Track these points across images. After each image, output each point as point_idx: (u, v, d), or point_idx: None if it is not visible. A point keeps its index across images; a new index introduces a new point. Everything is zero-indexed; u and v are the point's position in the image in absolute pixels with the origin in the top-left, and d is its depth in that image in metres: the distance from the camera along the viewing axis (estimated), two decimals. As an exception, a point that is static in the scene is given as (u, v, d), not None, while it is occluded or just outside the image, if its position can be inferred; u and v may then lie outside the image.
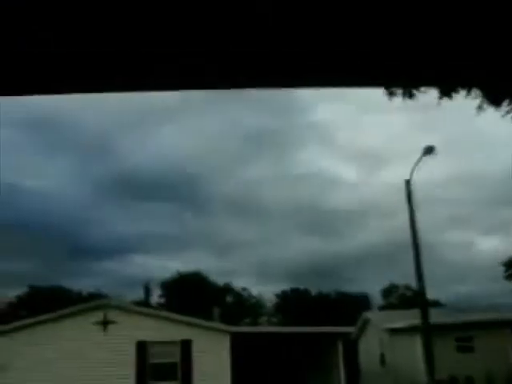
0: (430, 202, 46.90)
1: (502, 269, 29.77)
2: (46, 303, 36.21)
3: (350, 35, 1.39)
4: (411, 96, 4.94)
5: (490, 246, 63.65)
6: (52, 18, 1.28)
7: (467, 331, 27.52)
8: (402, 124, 44.02)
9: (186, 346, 22.01)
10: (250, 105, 42.67)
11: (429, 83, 2.74)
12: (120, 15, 1.28)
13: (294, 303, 51.94)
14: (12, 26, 1.30)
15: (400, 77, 1.65)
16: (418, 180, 22.19)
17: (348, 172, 63.30)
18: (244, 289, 54.50)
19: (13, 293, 47.00)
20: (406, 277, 43.62)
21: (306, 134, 55.62)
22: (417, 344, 25.33)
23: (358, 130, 56.81)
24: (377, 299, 55.08)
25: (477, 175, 48.97)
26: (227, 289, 53.81)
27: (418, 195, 22.05)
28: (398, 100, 5.12)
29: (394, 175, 47.98)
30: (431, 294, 35.19)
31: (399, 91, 4.91)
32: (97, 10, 1.26)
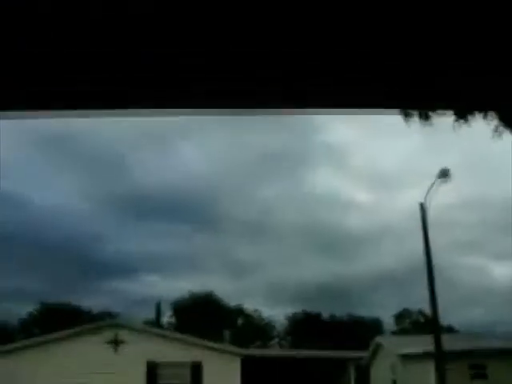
0: (443, 225, 46.59)
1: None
2: (57, 321, 36.21)
3: (358, 42, 1.38)
4: (427, 118, 4.92)
5: (504, 271, 62.96)
6: (52, 18, 1.31)
7: (481, 358, 27.13)
8: (417, 147, 43.89)
9: (196, 368, 21.88)
10: (264, 125, 42.81)
11: (444, 106, 2.71)
12: (120, 15, 1.28)
13: (306, 326, 51.58)
14: (12, 26, 1.30)
15: (413, 99, 1.64)
16: (432, 203, 22.09)
17: (362, 194, 63.11)
18: (255, 311, 54.28)
19: (24, 309, 47.12)
20: (419, 302, 43.23)
21: (320, 155, 55.62)
22: (430, 371, 24.99)
23: (372, 152, 56.71)
24: (389, 324, 54.59)
25: (491, 200, 48.64)
26: (239, 311, 53.58)
27: (431, 218, 21.94)
28: (414, 122, 5.10)
29: (408, 198, 47.72)
30: (445, 320, 34.84)
31: (415, 113, 4.89)
32: (97, 10, 1.25)
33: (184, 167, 53.00)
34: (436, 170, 21.59)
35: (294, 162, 55.68)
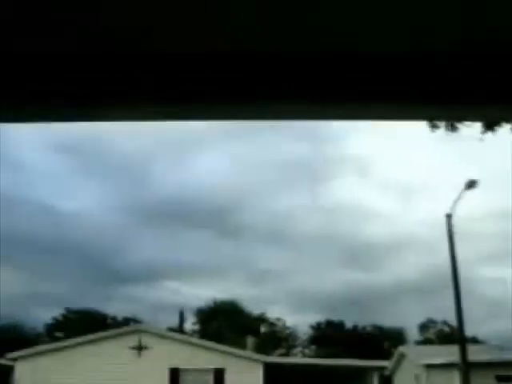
0: (469, 236, 46.02)
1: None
2: (81, 326, 36.49)
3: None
4: (454, 129, 4.91)
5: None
6: (52, 18, 1.31)
7: (507, 369, 26.75)
8: (443, 157, 43.43)
9: (218, 374, 21.88)
10: (285, 134, 42.76)
11: (471, 118, 2.68)
12: (120, 15, 1.31)
13: (329, 335, 51.27)
14: (12, 26, 1.31)
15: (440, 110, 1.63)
16: (457, 214, 21.89)
17: (386, 204, 62.60)
18: (278, 319, 54.12)
19: (49, 314, 47.55)
20: (443, 312, 42.76)
21: (342, 164, 55.34)
22: (455, 381, 24.70)
23: (396, 162, 56.27)
24: (413, 334, 54.00)
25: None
26: (262, 318, 53.46)
27: (457, 229, 21.73)
28: (440, 132, 5.10)
29: (433, 208, 47.17)
30: (469, 330, 34.39)
31: (442, 124, 4.88)
32: (96, 9, 1.28)
33: (203, 175, 53.13)
34: (463, 181, 21.38)
35: (316, 171, 55.53)
